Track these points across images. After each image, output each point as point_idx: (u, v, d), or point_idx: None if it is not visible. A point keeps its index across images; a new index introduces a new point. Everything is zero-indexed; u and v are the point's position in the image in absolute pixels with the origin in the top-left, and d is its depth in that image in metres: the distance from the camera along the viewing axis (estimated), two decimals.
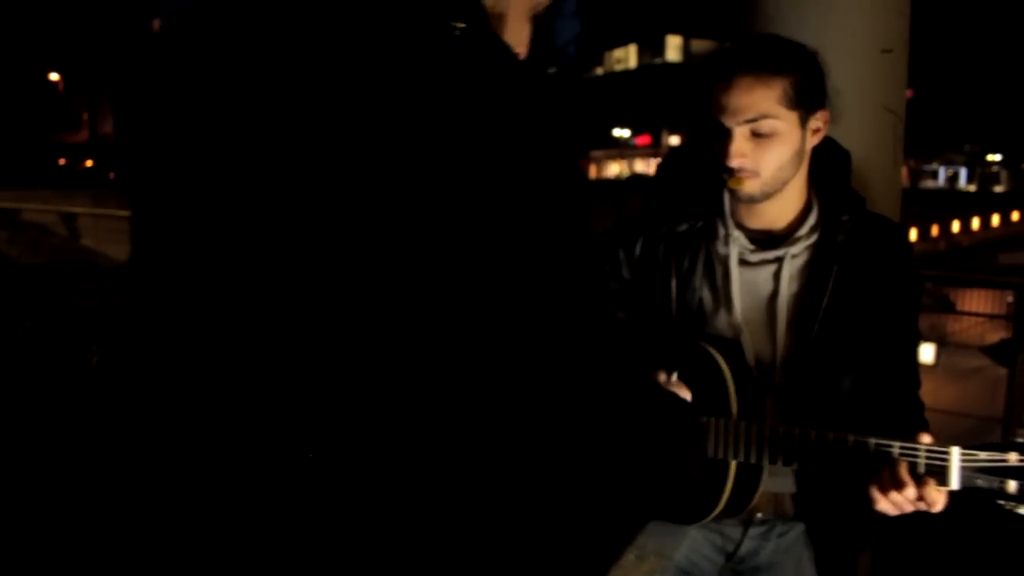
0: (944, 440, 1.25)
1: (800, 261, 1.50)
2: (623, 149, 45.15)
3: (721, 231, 1.53)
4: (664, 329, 1.55)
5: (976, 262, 35.10)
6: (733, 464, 1.43)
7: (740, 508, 1.52)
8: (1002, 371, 3.20)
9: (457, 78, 0.72)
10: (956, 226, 40.52)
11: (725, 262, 1.52)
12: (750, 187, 1.44)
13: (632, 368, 0.82)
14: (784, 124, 1.41)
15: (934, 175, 52.64)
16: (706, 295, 1.54)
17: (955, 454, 1.21)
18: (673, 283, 1.54)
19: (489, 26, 0.82)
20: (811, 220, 1.51)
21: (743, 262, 1.51)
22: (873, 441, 1.28)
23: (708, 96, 1.45)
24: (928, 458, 1.23)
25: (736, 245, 1.51)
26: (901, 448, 1.26)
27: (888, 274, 1.49)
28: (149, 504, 0.75)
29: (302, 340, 0.72)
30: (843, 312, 1.46)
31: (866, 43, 1.95)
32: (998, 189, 51.96)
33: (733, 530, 1.56)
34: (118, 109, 0.84)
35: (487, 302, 0.71)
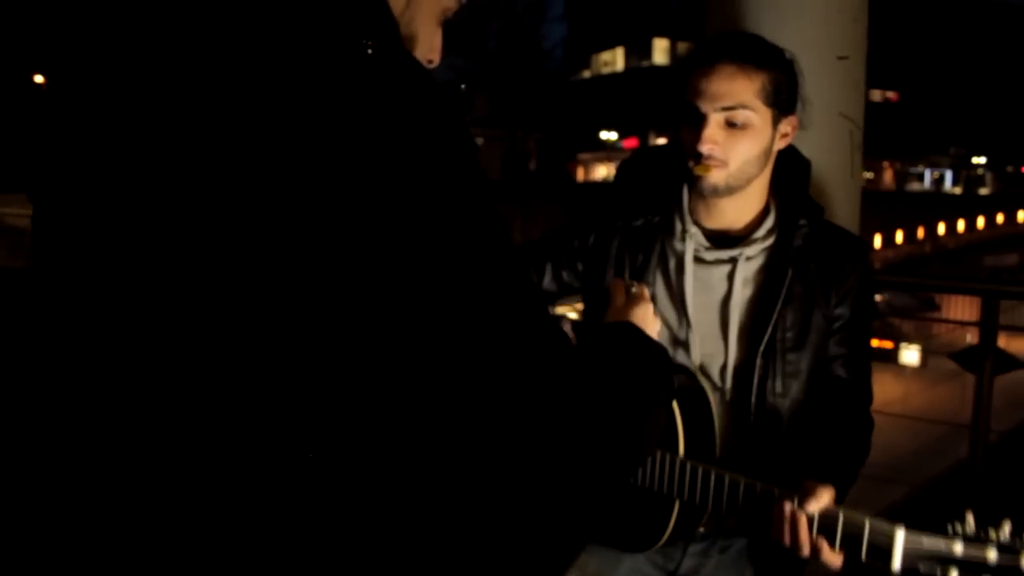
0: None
1: (755, 264, 1.49)
2: (610, 152, 45.22)
3: (678, 227, 1.52)
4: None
5: (962, 264, 35.37)
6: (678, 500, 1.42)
7: (685, 538, 1.50)
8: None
9: (366, 97, 0.71)
10: (942, 228, 40.76)
11: (680, 258, 1.51)
12: (716, 177, 1.42)
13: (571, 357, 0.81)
14: (758, 118, 1.41)
15: (920, 177, 52.90)
16: (659, 291, 1.52)
17: (900, 537, 1.16)
18: (626, 278, 1.52)
19: (400, 44, 0.81)
20: (768, 223, 1.50)
21: (698, 260, 1.50)
22: (819, 511, 1.24)
23: (687, 82, 1.44)
24: (872, 536, 1.19)
25: (692, 242, 1.50)
26: (844, 519, 1.22)
27: (843, 284, 1.48)
28: (149, 504, 0.74)
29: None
30: (796, 319, 1.45)
31: (821, 50, 1.93)
32: (983, 191, 52.28)
33: (673, 549, 1.54)
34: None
35: (398, 314, 0.71)
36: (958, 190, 52.35)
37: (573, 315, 1.71)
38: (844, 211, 2.00)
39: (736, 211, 1.50)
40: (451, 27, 1.01)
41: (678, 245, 1.52)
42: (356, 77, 0.72)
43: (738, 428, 1.47)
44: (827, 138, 1.98)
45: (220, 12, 0.75)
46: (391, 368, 0.72)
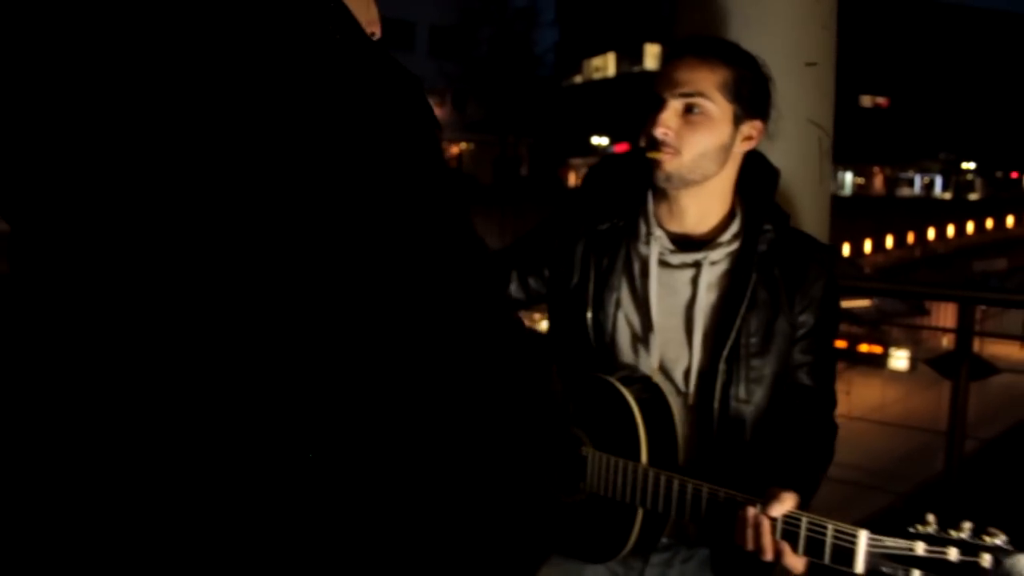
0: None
1: (720, 269, 1.48)
2: (602, 157, 45.22)
3: (643, 230, 1.52)
4: (578, 334, 1.54)
5: (952, 269, 35.52)
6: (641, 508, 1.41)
7: (648, 548, 1.49)
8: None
9: (346, 84, 0.74)
10: (932, 233, 40.92)
11: (645, 261, 1.51)
12: (669, 165, 1.43)
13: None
14: (718, 111, 1.42)
15: (910, 183, 53.09)
16: (624, 295, 1.52)
17: (863, 538, 1.18)
18: (591, 281, 1.52)
19: (360, 28, 0.82)
20: (733, 228, 1.50)
21: (663, 263, 1.50)
22: (782, 515, 1.25)
23: (655, 76, 1.47)
24: (835, 538, 1.19)
25: (657, 244, 1.50)
26: (808, 524, 1.22)
27: (808, 291, 1.48)
28: (149, 504, 0.75)
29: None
30: (760, 325, 1.45)
31: (789, 56, 1.92)
32: (973, 197, 52.49)
33: (635, 559, 1.53)
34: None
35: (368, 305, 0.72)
36: (948, 195, 52.56)
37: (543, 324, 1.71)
38: (812, 218, 2.00)
39: (699, 213, 1.50)
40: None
41: (643, 248, 1.52)
42: (336, 64, 0.74)
43: (701, 434, 1.47)
44: (795, 144, 1.97)
45: (198, 10, 0.74)
46: (369, 356, 0.73)
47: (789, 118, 1.99)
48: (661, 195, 1.49)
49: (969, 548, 1.13)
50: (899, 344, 19.11)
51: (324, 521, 0.74)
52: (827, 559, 1.20)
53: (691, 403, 1.48)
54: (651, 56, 46.61)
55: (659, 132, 1.42)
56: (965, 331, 2.90)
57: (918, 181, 53.48)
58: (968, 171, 54.42)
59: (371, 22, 0.92)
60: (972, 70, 47.63)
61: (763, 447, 1.45)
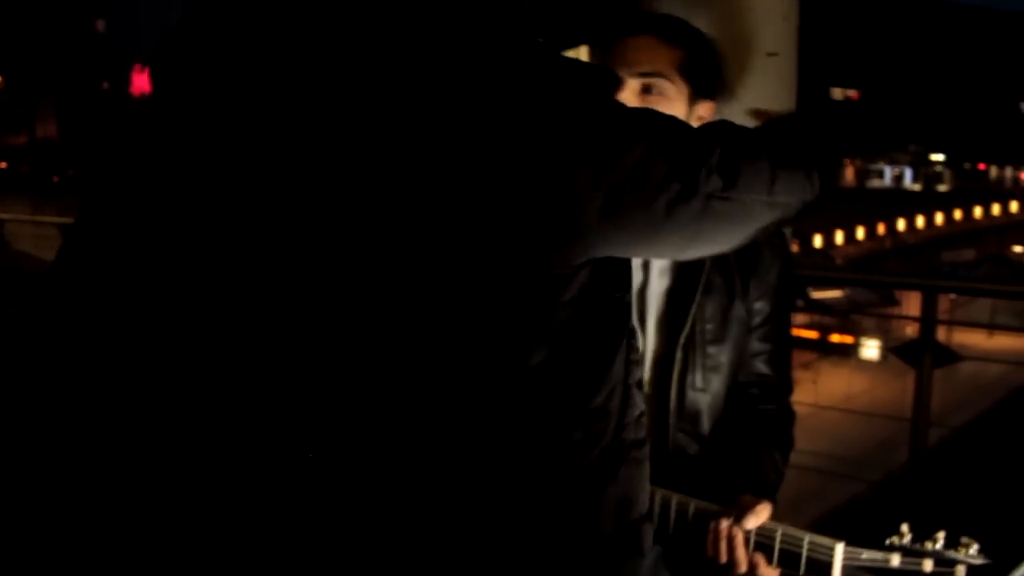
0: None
1: None
2: None
3: None
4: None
5: (921, 259, 35.98)
6: None
7: None
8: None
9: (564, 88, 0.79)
10: (902, 224, 41.39)
11: None
12: None
13: None
14: (674, 90, 1.41)
15: (880, 174, 53.69)
16: None
17: (839, 551, 1.17)
18: None
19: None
20: None
21: None
22: (754, 528, 1.23)
23: (611, 51, 1.44)
24: (811, 552, 1.18)
25: None
26: (783, 535, 1.21)
27: (764, 277, 1.47)
28: (149, 505, 0.75)
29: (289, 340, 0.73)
30: (716, 311, 1.44)
31: (749, 47, 1.93)
32: (942, 188, 53.20)
33: None
34: (68, 111, 0.81)
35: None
36: (918, 187, 53.21)
37: None
38: None
39: None
40: None
41: None
42: (553, 70, 0.80)
43: (658, 425, 1.46)
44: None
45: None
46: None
47: (749, 107, 2.01)
48: None
49: (943, 560, 1.14)
50: (870, 334, 19.31)
51: (324, 521, 0.73)
52: (802, 572, 1.19)
53: (647, 392, 1.47)
54: None
55: None
56: (928, 319, 2.93)
57: (888, 173, 54.07)
58: (937, 163, 55.09)
59: None
60: (942, 63, 48.16)
61: (724, 441, 1.44)
